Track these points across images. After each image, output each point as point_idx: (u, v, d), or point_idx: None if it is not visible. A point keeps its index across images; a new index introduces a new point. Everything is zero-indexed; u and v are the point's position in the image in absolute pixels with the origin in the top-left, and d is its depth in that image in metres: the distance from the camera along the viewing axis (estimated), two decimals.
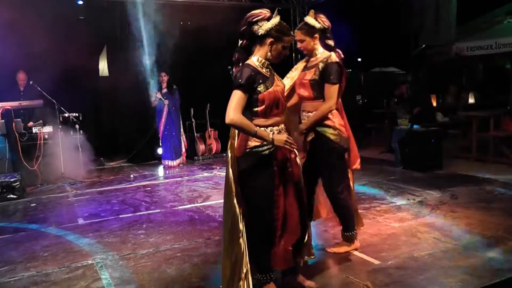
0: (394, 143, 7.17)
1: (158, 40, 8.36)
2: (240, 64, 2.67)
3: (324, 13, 3.36)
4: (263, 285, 2.75)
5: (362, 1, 11.00)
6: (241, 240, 2.62)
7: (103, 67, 9.06)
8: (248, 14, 2.66)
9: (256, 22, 2.62)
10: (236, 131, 2.66)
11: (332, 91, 3.24)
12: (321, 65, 3.26)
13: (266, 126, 2.63)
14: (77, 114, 7.20)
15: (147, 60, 8.31)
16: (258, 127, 2.57)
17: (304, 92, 3.33)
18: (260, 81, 2.59)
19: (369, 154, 8.16)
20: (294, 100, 3.44)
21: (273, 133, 2.64)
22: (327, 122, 3.27)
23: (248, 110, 2.61)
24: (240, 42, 2.71)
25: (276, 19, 2.63)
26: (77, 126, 7.05)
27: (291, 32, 2.75)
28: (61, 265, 3.52)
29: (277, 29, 2.63)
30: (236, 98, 2.54)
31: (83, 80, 7.82)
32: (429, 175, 6.23)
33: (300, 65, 3.48)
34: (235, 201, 2.62)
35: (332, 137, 3.25)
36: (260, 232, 2.68)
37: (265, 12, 2.64)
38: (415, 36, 9.86)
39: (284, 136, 2.60)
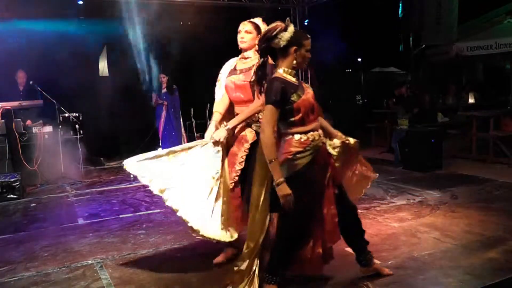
0: (394, 143, 7.17)
1: (157, 40, 8.36)
2: (264, 81, 2.74)
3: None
4: (266, 284, 2.76)
5: (363, 1, 11.00)
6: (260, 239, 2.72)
7: (103, 67, 9.07)
8: (264, 31, 2.71)
9: (275, 36, 2.64)
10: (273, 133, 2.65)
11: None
12: (256, 67, 3.21)
13: (307, 132, 2.67)
14: (77, 114, 7.20)
15: (147, 60, 8.31)
16: (276, 159, 2.57)
17: (242, 94, 3.24)
18: (292, 91, 2.63)
19: (369, 154, 8.16)
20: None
21: (314, 138, 2.68)
22: None
23: (284, 121, 2.65)
24: (261, 60, 2.77)
25: (292, 27, 2.66)
26: (77, 126, 7.04)
27: (308, 35, 2.76)
28: (61, 265, 3.52)
29: (296, 35, 2.66)
30: (270, 113, 2.60)
31: (83, 80, 7.82)
32: (429, 175, 6.23)
33: (228, 68, 3.39)
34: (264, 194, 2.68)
35: None
36: (290, 237, 2.71)
37: (279, 24, 2.67)
38: (415, 36, 9.87)
39: (288, 191, 2.55)
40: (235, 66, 3.36)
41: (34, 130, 6.63)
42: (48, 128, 6.74)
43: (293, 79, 2.69)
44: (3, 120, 6.22)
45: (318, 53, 9.02)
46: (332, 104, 9.22)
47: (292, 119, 2.65)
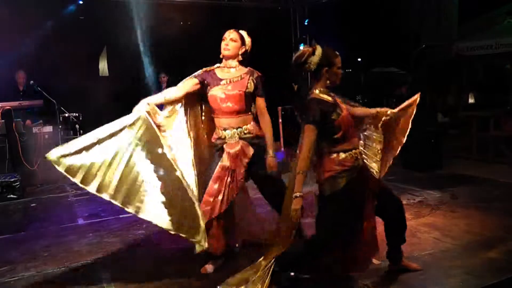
0: None
1: (157, 40, 8.36)
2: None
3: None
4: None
5: (362, 1, 11.00)
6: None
7: (103, 67, 9.06)
8: (293, 59, 2.76)
9: (305, 62, 2.72)
10: (312, 150, 2.69)
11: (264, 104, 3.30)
12: (251, 78, 3.22)
13: (350, 150, 2.73)
14: (77, 114, 7.20)
15: (147, 60, 8.31)
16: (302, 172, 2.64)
17: (235, 105, 3.18)
18: (331, 110, 2.69)
19: None
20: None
21: (357, 156, 2.75)
22: (261, 134, 3.27)
23: (327, 139, 2.72)
24: (295, 87, 2.84)
25: (319, 49, 2.73)
26: (77, 126, 7.04)
27: (336, 52, 2.79)
28: (61, 265, 3.51)
29: (325, 56, 2.73)
30: (309, 132, 2.66)
31: (83, 80, 7.82)
32: (429, 175, 6.23)
33: (204, 75, 3.31)
34: None
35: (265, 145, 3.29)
36: (319, 246, 2.77)
37: (306, 49, 2.74)
38: (415, 36, 9.87)
39: (299, 206, 2.63)
40: (215, 75, 3.27)
41: (34, 130, 6.63)
42: (48, 128, 6.74)
43: (329, 98, 2.75)
44: (3, 120, 6.22)
45: None
46: None
47: (335, 136, 2.71)
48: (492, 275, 3.00)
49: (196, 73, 3.34)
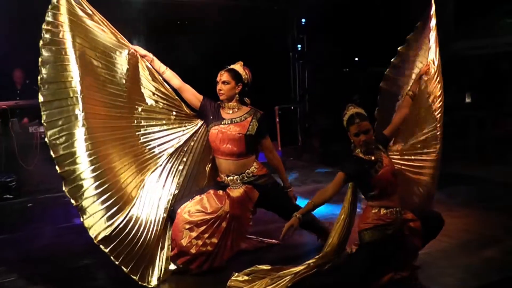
0: None
1: (155, 40, 8.34)
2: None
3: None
4: None
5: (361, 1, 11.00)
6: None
7: None
8: None
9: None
10: (333, 193, 2.80)
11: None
12: (254, 120, 3.17)
13: (391, 207, 2.79)
14: None
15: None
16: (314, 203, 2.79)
17: (234, 147, 3.12)
18: (367, 168, 2.76)
19: None
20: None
21: (397, 215, 2.79)
22: (265, 171, 3.27)
23: (366, 195, 2.84)
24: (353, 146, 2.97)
25: (346, 115, 2.84)
26: None
27: (359, 118, 2.78)
28: (60, 265, 3.50)
29: (346, 121, 2.84)
30: (338, 179, 2.79)
31: None
32: None
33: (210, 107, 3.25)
34: None
35: (271, 180, 3.32)
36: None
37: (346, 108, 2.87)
38: None
39: (291, 224, 2.72)
40: (219, 111, 3.22)
41: (31, 129, 6.57)
42: None
43: (367, 157, 2.80)
44: None
45: (316, 53, 9.04)
46: (331, 104, 9.19)
47: (372, 193, 2.78)
48: (489, 275, 3.02)
49: (204, 96, 3.29)
